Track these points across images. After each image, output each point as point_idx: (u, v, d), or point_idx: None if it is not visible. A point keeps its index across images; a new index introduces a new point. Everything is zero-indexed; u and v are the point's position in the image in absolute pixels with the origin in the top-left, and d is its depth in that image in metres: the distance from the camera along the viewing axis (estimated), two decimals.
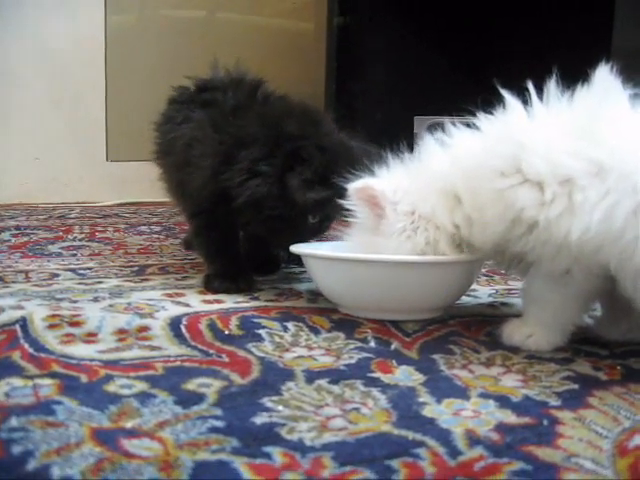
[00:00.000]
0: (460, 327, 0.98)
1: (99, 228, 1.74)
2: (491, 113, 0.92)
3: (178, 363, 0.81)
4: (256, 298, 1.10)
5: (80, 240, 1.56)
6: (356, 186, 0.96)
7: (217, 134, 1.13)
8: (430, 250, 0.94)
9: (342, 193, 1.00)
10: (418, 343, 0.91)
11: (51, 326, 0.91)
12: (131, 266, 1.31)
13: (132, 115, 2.12)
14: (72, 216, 1.93)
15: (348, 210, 0.99)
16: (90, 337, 0.89)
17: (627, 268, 0.80)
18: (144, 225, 1.81)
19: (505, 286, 1.23)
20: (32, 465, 0.57)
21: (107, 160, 2.22)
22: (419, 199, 0.94)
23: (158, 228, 1.76)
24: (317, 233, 1.16)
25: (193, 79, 1.30)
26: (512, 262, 0.92)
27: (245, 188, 1.08)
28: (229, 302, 1.07)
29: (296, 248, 1.06)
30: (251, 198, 1.07)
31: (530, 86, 0.88)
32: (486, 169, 0.87)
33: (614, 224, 0.79)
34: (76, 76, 2.19)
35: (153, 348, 0.86)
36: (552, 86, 0.88)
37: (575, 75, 0.88)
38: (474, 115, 0.93)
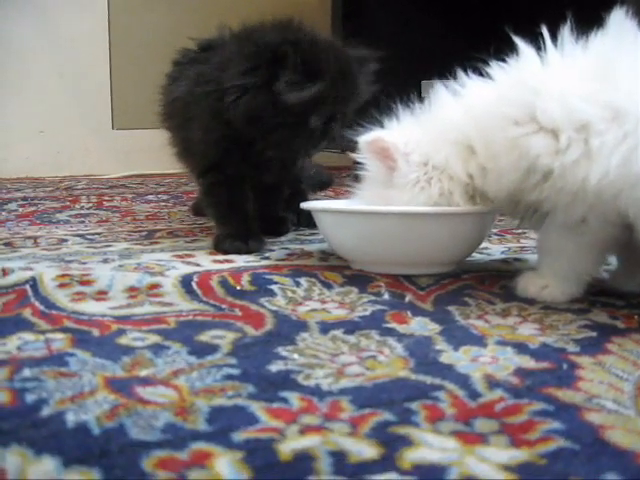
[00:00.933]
0: (474, 281, 0.97)
1: (106, 198, 1.73)
2: (504, 61, 0.90)
3: (190, 317, 0.80)
4: (267, 258, 1.09)
5: (88, 209, 1.56)
6: (366, 139, 0.95)
7: (208, 85, 1.13)
8: (444, 201, 0.92)
9: (338, 88, 1.00)
10: (432, 296, 0.90)
11: (61, 285, 0.91)
12: (140, 231, 1.30)
13: (137, 82, 2.10)
14: (79, 187, 1.92)
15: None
16: (101, 295, 0.88)
17: None
18: (151, 194, 1.80)
19: (518, 244, 1.22)
20: (46, 412, 0.57)
21: (113, 128, 2.21)
22: (432, 150, 0.93)
23: (165, 197, 1.75)
24: (327, 136, 1.13)
25: (197, 40, 1.28)
26: (527, 213, 0.90)
27: (238, 106, 1.07)
28: (240, 261, 1.06)
29: (307, 204, 1.05)
30: (246, 115, 1.07)
31: (544, 32, 0.86)
32: (500, 117, 0.85)
33: (632, 169, 0.78)
34: (80, 47, 2.18)
35: (165, 304, 0.85)
36: (566, 32, 0.86)
37: (588, 24, 0.87)
38: (487, 65, 0.91)
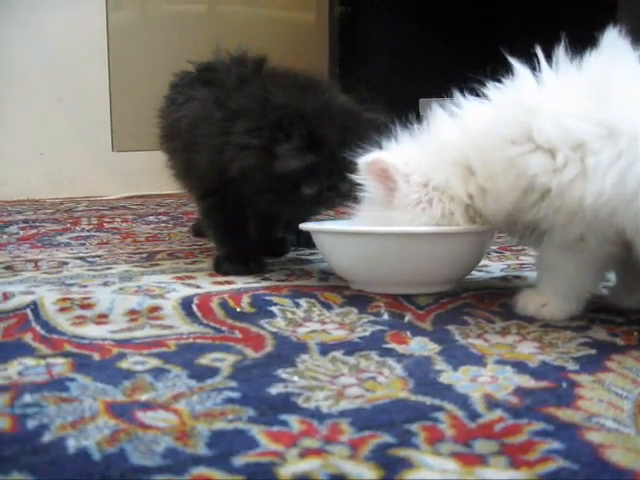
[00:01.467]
0: (473, 299, 0.97)
1: (107, 219, 1.73)
2: (500, 82, 0.91)
3: (191, 340, 0.81)
4: (267, 279, 1.09)
5: (88, 231, 1.56)
6: (366, 160, 0.95)
7: (219, 111, 1.12)
8: (446, 222, 0.93)
9: (340, 160, 0.99)
10: (432, 315, 0.90)
11: (62, 309, 0.91)
12: (140, 253, 1.31)
13: (137, 104, 2.11)
14: (79, 209, 1.93)
15: (356, 181, 0.98)
16: (101, 318, 0.88)
17: None
18: (152, 215, 1.80)
19: (517, 261, 1.22)
20: (47, 438, 0.57)
21: (113, 150, 2.22)
22: (432, 170, 0.93)
23: (166, 217, 1.76)
24: (320, 205, 1.12)
25: (195, 63, 1.29)
26: (525, 232, 0.91)
27: (236, 160, 1.07)
28: (240, 283, 1.06)
29: (305, 225, 1.05)
30: (242, 170, 1.06)
31: (539, 52, 0.87)
32: (496, 137, 0.86)
33: (627, 187, 0.78)
34: (80, 70, 2.19)
35: (165, 327, 0.85)
36: (561, 52, 0.87)
37: (582, 43, 0.87)
38: (483, 85, 0.92)
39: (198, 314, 0.90)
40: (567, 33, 0.87)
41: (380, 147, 0.97)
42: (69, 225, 1.63)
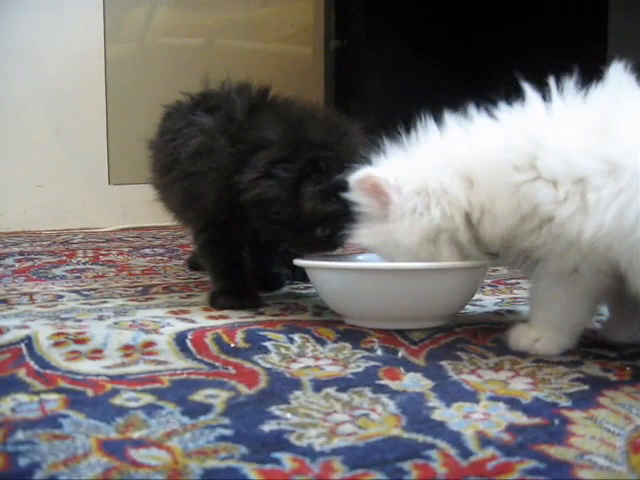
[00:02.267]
0: (467, 334, 0.97)
1: (102, 252, 1.74)
2: (510, 104, 0.91)
3: (184, 376, 0.81)
4: (261, 313, 1.10)
5: (84, 264, 1.56)
6: (357, 178, 0.95)
7: (230, 142, 1.11)
8: (446, 224, 0.91)
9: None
10: (425, 351, 0.90)
11: (56, 344, 0.91)
12: (135, 286, 1.31)
13: (134, 137, 2.12)
14: (75, 241, 1.93)
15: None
16: (96, 354, 0.88)
17: (636, 265, 0.80)
18: (147, 248, 1.81)
19: (510, 295, 1.22)
20: (39, 476, 0.57)
21: (109, 183, 2.23)
22: (430, 176, 0.93)
23: (161, 250, 1.76)
24: (325, 247, 1.12)
25: (189, 94, 1.28)
26: (518, 258, 0.91)
27: (255, 186, 1.06)
28: (234, 317, 1.06)
29: (299, 261, 1.05)
30: (260, 197, 1.05)
31: (551, 82, 0.88)
32: (503, 162, 0.87)
33: (625, 222, 0.79)
34: (77, 102, 2.20)
35: (159, 362, 0.85)
36: (571, 82, 0.88)
37: (588, 76, 0.89)
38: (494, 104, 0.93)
39: (192, 349, 0.90)
40: (557, 67, 0.88)
41: (370, 163, 0.98)
42: (65, 257, 1.63)
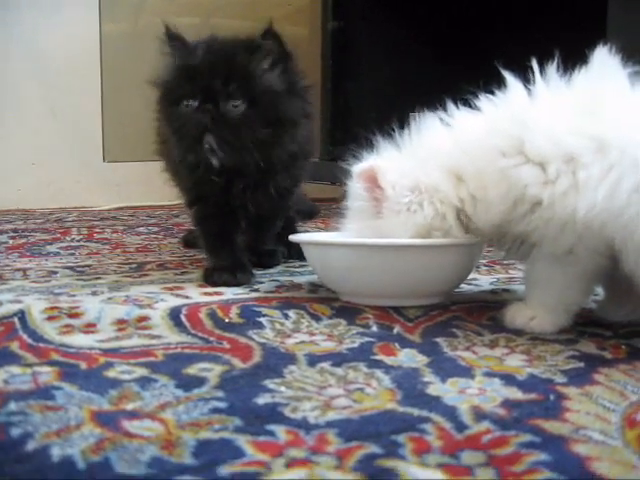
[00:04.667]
0: (462, 312, 0.97)
1: (97, 230, 1.73)
2: (492, 94, 0.91)
3: (178, 350, 0.80)
4: (256, 290, 1.09)
5: (78, 241, 1.56)
6: (360, 167, 0.95)
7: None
8: (438, 223, 0.92)
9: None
10: (420, 327, 0.90)
11: (50, 318, 0.90)
12: (130, 263, 1.30)
13: (128, 116, 2.12)
14: (70, 219, 1.92)
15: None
16: (89, 327, 0.87)
17: (630, 244, 0.80)
18: (142, 226, 1.80)
19: (506, 275, 1.22)
20: (31, 446, 0.56)
21: (104, 161, 2.21)
22: (421, 174, 0.93)
23: (156, 229, 1.76)
24: (205, 118, 1.08)
25: None
26: (514, 244, 0.91)
27: None
28: (229, 294, 1.06)
29: (295, 237, 1.05)
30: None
31: (534, 65, 0.88)
32: (489, 149, 0.87)
33: (617, 200, 0.79)
34: (72, 81, 2.19)
35: (153, 337, 0.85)
36: (552, 67, 0.88)
37: (572, 61, 0.88)
38: (476, 97, 0.93)
39: (186, 324, 0.89)
40: (558, 49, 0.88)
41: (362, 159, 0.98)
42: (59, 235, 1.63)
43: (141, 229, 1.75)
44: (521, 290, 1.05)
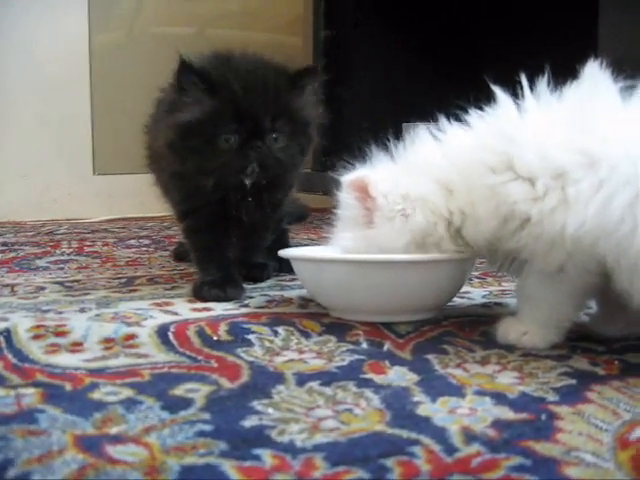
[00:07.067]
0: (454, 327, 0.96)
1: (88, 242, 1.72)
2: (482, 109, 0.91)
3: (165, 370, 0.79)
4: (246, 305, 1.08)
5: (68, 254, 1.54)
6: (348, 179, 0.95)
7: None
8: (430, 230, 0.92)
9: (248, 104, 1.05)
10: (411, 344, 0.89)
11: (36, 337, 0.89)
12: (119, 278, 1.29)
13: (119, 128, 2.11)
14: (60, 232, 1.91)
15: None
16: (75, 347, 0.86)
17: (623, 261, 0.78)
18: (133, 239, 1.79)
19: (498, 287, 1.21)
20: (12, 473, 0.55)
21: (94, 174, 2.20)
22: (412, 184, 0.93)
23: (147, 241, 1.74)
24: (243, 159, 1.09)
25: None
26: (505, 260, 0.90)
27: (160, 137, 1.14)
28: (218, 309, 1.05)
29: (284, 252, 1.04)
30: (164, 146, 1.12)
31: (523, 80, 0.87)
32: (478, 165, 0.86)
33: (610, 217, 0.78)
34: (62, 92, 2.18)
35: (140, 355, 0.84)
36: (542, 82, 0.87)
37: (563, 75, 0.88)
38: (466, 112, 0.92)
39: (174, 342, 0.88)
40: (550, 63, 0.87)
41: (355, 168, 0.97)
42: (49, 249, 1.61)
43: (132, 242, 1.74)
44: (513, 303, 1.05)
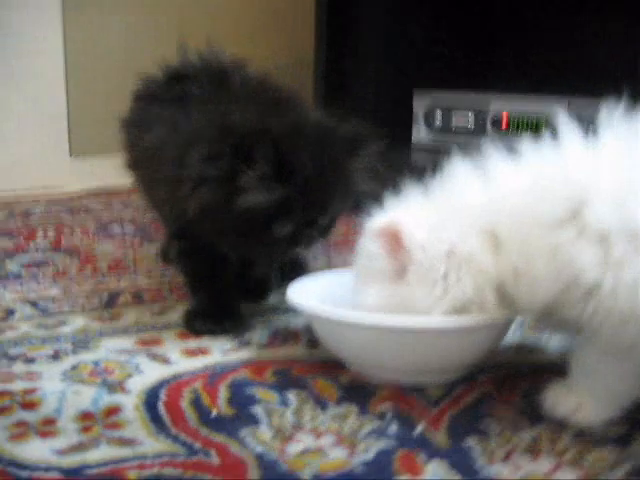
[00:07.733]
0: (490, 385, 0.83)
1: (66, 228, 1.56)
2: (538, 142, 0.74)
3: (156, 470, 0.65)
4: (246, 343, 0.94)
5: (44, 251, 1.39)
6: (376, 225, 0.78)
7: (178, 136, 0.95)
8: (478, 298, 0.75)
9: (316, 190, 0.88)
10: (445, 418, 0.76)
11: (1, 410, 0.75)
12: (100, 291, 1.14)
13: (96, 106, 1.92)
14: (37, 212, 1.74)
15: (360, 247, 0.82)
16: (47, 426, 0.72)
17: None
18: (116, 222, 1.63)
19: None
20: None
21: (71, 155, 2.01)
22: (457, 236, 0.76)
23: (132, 228, 1.58)
24: (296, 245, 0.95)
25: (162, 67, 1.11)
26: (564, 328, 0.76)
27: (192, 198, 0.89)
28: (215, 352, 0.91)
29: (292, 295, 0.88)
30: (200, 210, 0.89)
31: (602, 110, 0.70)
32: (536, 215, 0.70)
33: None
34: (36, 69, 1.97)
35: (124, 442, 0.70)
36: (619, 109, 0.71)
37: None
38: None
39: (166, 419, 0.74)
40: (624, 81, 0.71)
41: (384, 206, 0.81)
42: (22, 241, 1.45)
43: (115, 229, 1.58)
44: (553, 348, 0.92)
